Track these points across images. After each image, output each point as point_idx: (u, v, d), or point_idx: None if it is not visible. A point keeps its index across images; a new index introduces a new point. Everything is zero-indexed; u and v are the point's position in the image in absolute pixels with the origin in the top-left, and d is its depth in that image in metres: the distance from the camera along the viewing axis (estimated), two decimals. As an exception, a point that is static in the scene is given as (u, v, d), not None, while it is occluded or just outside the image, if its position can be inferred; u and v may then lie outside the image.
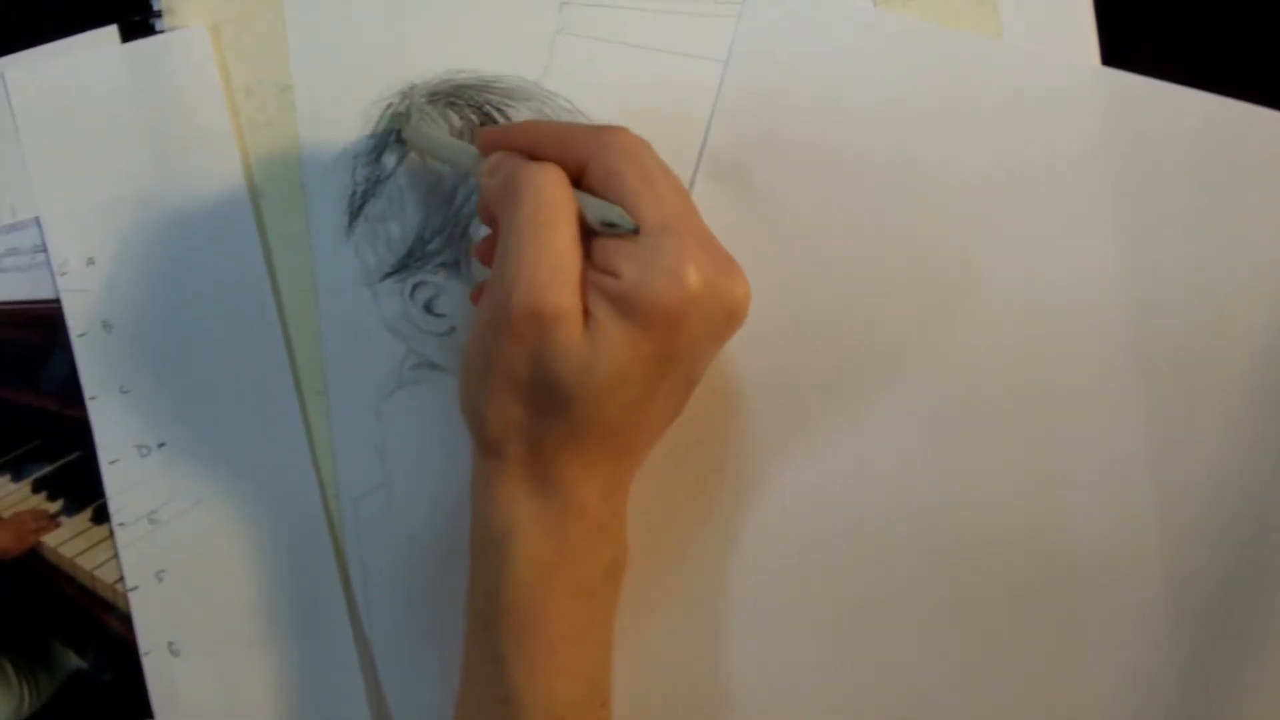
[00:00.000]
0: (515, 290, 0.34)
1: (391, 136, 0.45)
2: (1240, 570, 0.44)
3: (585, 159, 0.36)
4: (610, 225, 0.34)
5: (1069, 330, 0.44)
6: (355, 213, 0.45)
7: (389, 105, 0.45)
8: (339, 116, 0.45)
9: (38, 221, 0.45)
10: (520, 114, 0.45)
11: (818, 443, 0.44)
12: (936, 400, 0.44)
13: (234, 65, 0.45)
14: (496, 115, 0.45)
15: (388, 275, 0.45)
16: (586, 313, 0.34)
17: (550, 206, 0.34)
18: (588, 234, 0.35)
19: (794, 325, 0.44)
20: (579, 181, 0.36)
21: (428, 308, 0.44)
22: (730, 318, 0.36)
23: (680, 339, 0.35)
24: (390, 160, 0.45)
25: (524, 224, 0.34)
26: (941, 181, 0.44)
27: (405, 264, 0.44)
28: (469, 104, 0.45)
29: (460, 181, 0.45)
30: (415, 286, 0.44)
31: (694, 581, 0.44)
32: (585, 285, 0.34)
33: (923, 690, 0.44)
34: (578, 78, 0.45)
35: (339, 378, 0.44)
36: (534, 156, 0.37)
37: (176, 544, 0.44)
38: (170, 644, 0.44)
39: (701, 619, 0.44)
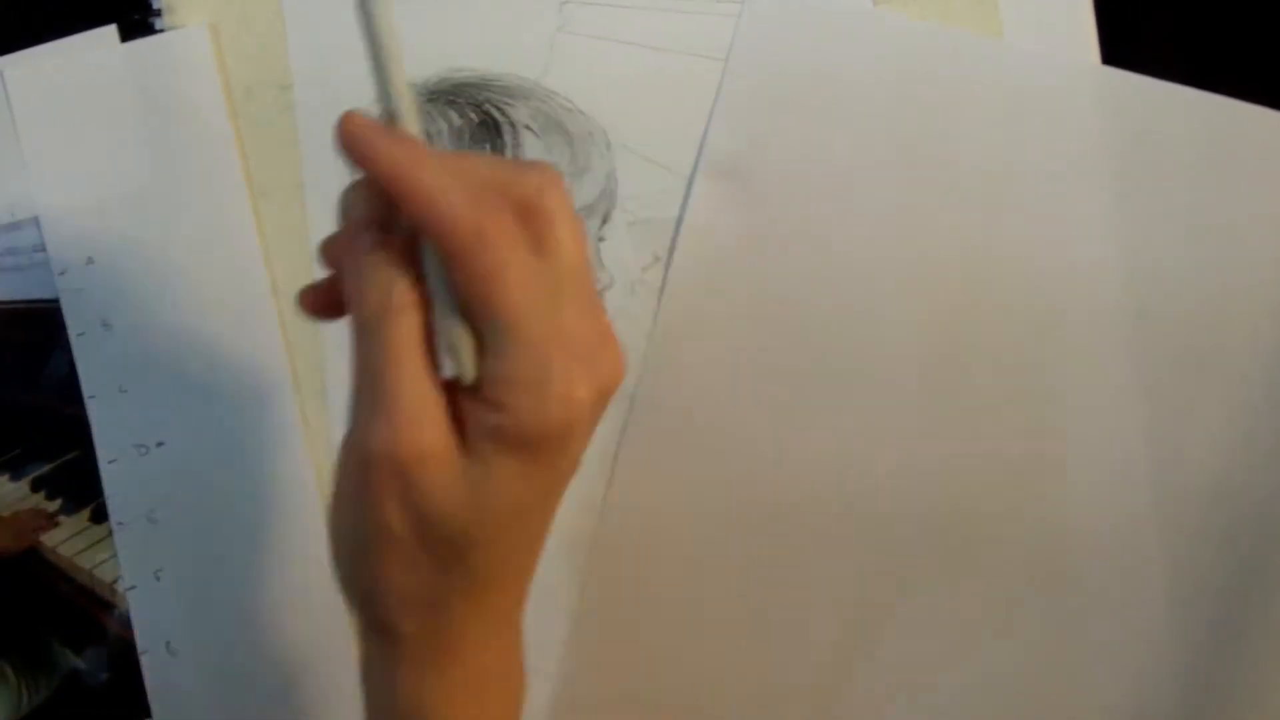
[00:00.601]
0: (371, 436, 0.28)
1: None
2: (1241, 570, 0.44)
3: (456, 233, 0.29)
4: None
5: (1069, 328, 0.44)
6: (354, 212, 0.45)
7: (388, 104, 0.45)
8: (339, 116, 0.45)
9: (37, 221, 0.45)
10: (520, 112, 0.45)
11: (816, 441, 0.44)
12: (936, 399, 0.44)
13: (234, 65, 0.45)
14: (496, 113, 0.45)
15: (387, 274, 0.44)
16: (463, 439, 0.29)
17: (401, 335, 0.29)
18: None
19: (792, 323, 0.44)
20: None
21: (427, 307, 0.44)
22: (611, 396, 0.31)
23: (573, 450, 0.30)
24: (390, 159, 0.45)
25: (372, 362, 0.29)
26: (941, 180, 0.44)
27: (404, 263, 0.44)
28: (469, 102, 0.45)
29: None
30: (414, 285, 0.44)
31: (684, 575, 0.44)
32: (460, 412, 0.29)
33: (923, 690, 0.44)
34: (578, 76, 0.45)
35: (338, 377, 0.44)
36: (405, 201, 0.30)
37: (175, 543, 0.44)
38: (168, 643, 0.44)
39: (690, 613, 0.44)
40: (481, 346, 0.29)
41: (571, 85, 0.45)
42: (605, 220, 0.45)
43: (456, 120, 0.45)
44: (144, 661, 0.44)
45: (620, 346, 0.31)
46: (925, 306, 0.44)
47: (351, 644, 0.44)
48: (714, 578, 0.44)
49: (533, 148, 0.45)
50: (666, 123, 0.45)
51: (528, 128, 0.45)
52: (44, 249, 0.45)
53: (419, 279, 0.29)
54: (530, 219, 0.29)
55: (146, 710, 0.44)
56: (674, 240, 0.44)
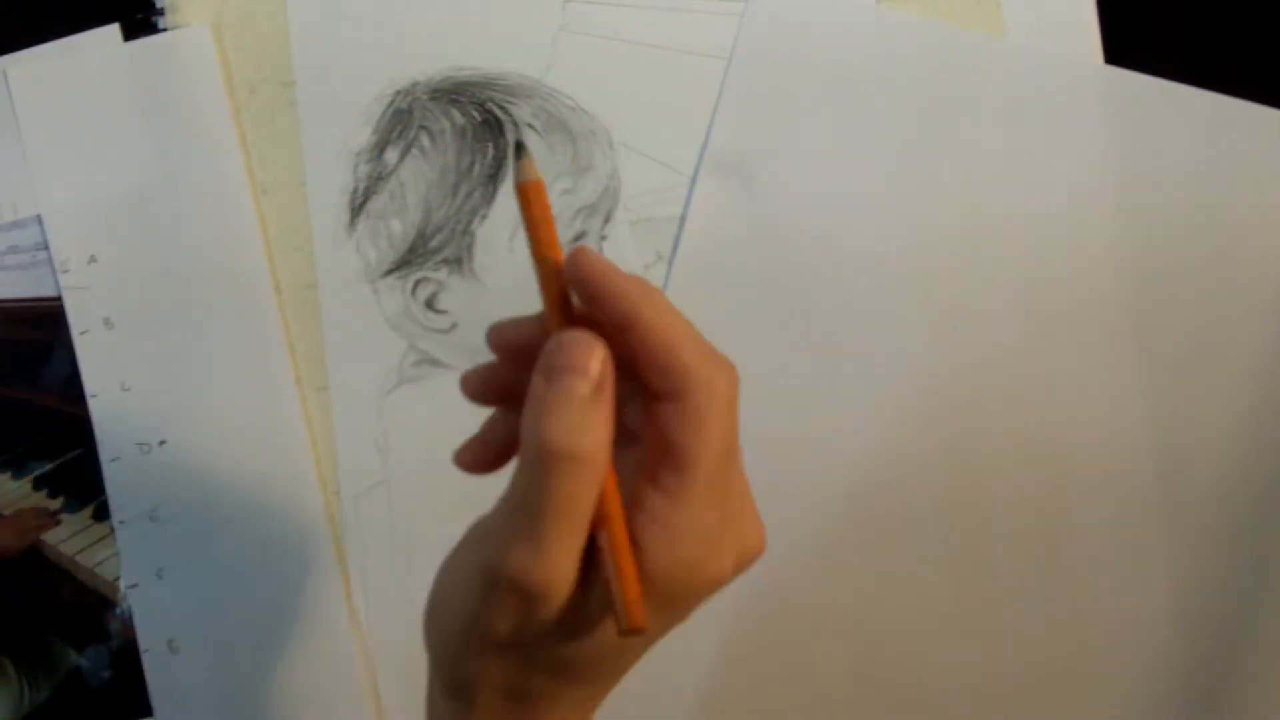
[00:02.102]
0: (511, 556, 0.28)
1: (393, 133, 0.45)
2: (1245, 569, 0.43)
3: (680, 388, 0.29)
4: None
5: (1071, 325, 0.44)
6: (357, 209, 0.45)
7: (391, 102, 0.45)
8: (341, 113, 0.45)
9: (39, 219, 0.45)
10: (522, 111, 0.45)
11: (818, 438, 0.44)
12: (937, 397, 0.44)
13: (236, 63, 0.45)
14: (499, 112, 0.45)
15: (389, 272, 0.45)
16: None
17: (583, 491, 0.28)
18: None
19: (795, 320, 0.44)
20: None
21: (429, 304, 0.44)
22: (746, 569, 0.31)
23: (691, 609, 0.30)
24: (392, 157, 0.45)
25: (544, 498, 0.28)
26: (943, 178, 0.44)
27: (407, 261, 0.44)
28: (471, 101, 0.45)
29: (462, 179, 0.45)
30: (417, 283, 0.44)
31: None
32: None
33: (922, 692, 0.44)
34: (580, 75, 0.45)
35: (340, 374, 0.44)
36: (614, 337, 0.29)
37: (177, 541, 0.44)
38: (170, 641, 0.44)
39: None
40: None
41: (574, 84, 0.45)
42: (608, 219, 0.45)
43: (459, 119, 0.45)
44: (146, 660, 0.44)
45: (762, 529, 0.31)
46: (927, 303, 0.44)
47: (353, 644, 0.44)
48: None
49: (536, 147, 0.45)
50: (669, 121, 0.45)
51: (530, 126, 0.45)
52: (47, 247, 0.45)
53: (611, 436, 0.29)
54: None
55: (148, 708, 0.44)
56: (677, 239, 0.44)
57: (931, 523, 0.44)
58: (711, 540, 0.29)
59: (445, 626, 0.31)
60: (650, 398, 0.30)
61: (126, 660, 0.44)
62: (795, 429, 0.44)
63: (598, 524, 0.29)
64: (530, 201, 0.30)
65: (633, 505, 0.29)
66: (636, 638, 0.29)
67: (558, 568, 0.28)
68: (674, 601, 0.29)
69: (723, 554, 0.29)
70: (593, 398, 0.28)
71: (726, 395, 0.29)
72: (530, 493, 0.28)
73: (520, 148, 0.33)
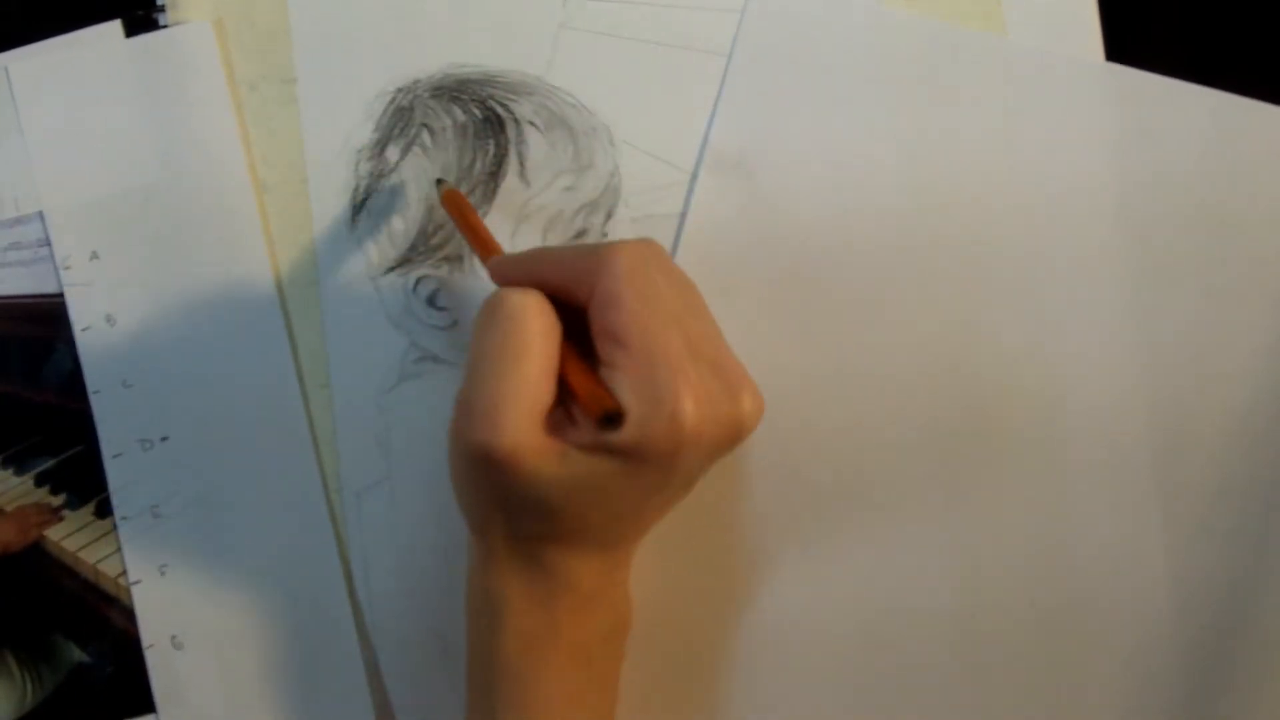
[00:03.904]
0: (470, 424, 0.33)
1: (394, 130, 0.45)
2: (1244, 572, 0.44)
3: (594, 282, 0.34)
4: (608, 419, 0.33)
5: (1072, 323, 0.44)
6: (358, 207, 0.45)
7: (392, 99, 0.45)
8: (343, 111, 0.45)
9: (41, 216, 0.45)
10: (524, 108, 0.45)
11: (819, 436, 0.44)
12: (938, 393, 0.44)
13: (237, 60, 0.45)
14: (500, 109, 0.45)
15: (391, 269, 0.45)
16: (571, 423, 0.34)
17: (520, 336, 0.33)
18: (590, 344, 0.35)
19: (797, 317, 0.44)
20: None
21: (430, 301, 0.44)
22: (733, 437, 0.34)
23: (675, 470, 0.34)
24: (394, 154, 0.45)
25: (487, 353, 0.34)
26: (944, 177, 0.44)
27: (408, 258, 0.45)
28: (473, 98, 0.45)
29: (463, 176, 0.45)
30: (418, 280, 0.44)
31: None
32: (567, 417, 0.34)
33: (921, 693, 0.44)
34: (581, 72, 0.45)
35: (342, 371, 0.44)
36: (544, 285, 0.35)
37: (179, 538, 0.44)
38: (173, 638, 0.44)
39: (696, 608, 0.44)
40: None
41: (575, 81, 0.45)
42: (609, 216, 0.45)
43: (460, 116, 0.45)
44: (148, 656, 0.44)
45: (756, 395, 0.34)
46: (928, 300, 0.44)
47: (354, 640, 0.44)
48: (721, 569, 0.44)
49: (536, 144, 0.45)
50: (670, 118, 0.45)
51: (531, 124, 0.45)
52: (48, 244, 0.45)
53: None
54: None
55: (151, 704, 0.44)
56: (678, 236, 0.44)
57: (932, 516, 0.44)
58: (675, 404, 0.32)
59: (460, 485, 0.36)
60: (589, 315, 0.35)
61: (129, 656, 0.44)
62: (797, 424, 0.44)
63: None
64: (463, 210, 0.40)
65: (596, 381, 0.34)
66: (614, 438, 0.33)
67: (512, 418, 0.33)
68: (642, 457, 0.33)
69: (680, 403, 0.32)
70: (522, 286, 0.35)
71: (629, 264, 0.34)
72: (472, 360, 0.34)
73: (440, 182, 0.43)
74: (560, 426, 0.34)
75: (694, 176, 0.44)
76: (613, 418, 0.33)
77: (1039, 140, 0.44)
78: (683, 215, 0.44)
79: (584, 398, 0.33)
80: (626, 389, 0.33)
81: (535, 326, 0.34)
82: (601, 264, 0.34)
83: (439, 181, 0.43)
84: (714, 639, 0.44)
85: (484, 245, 0.39)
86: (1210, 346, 0.44)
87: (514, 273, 0.37)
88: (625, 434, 0.32)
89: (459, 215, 0.41)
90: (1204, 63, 0.44)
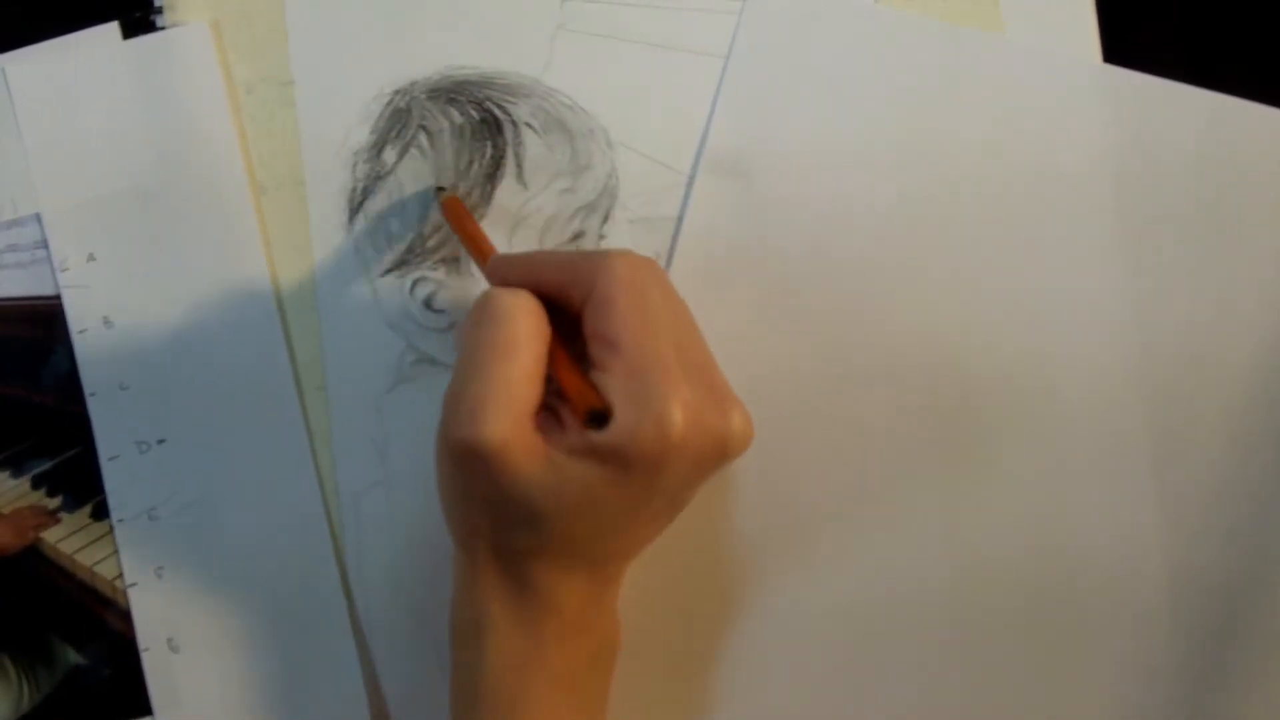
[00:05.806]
0: (456, 420, 0.33)
1: (392, 132, 0.45)
2: (1243, 573, 0.44)
3: (590, 286, 0.34)
4: (595, 418, 0.33)
5: (1070, 324, 0.44)
6: (356, 209, 0.45)
7: (390, 101, 0.45)
8: (340, 113, 0.45)
9: (38, 218, 0.45)
10: (521, 110, 0.45)
11: (818, 437, 0.44)
12: (935, 395, 0.44)
13: (235, 62, 0.45)
14: (497, 111, 0.45)
15: (388, 271, 0.45)
16: (560, 429, 0.34)
17: (509, 335, 0.33)
18: (581, 345, 0.35)
19: (794, 320, 0.44)
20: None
21: (427, 304, 0.44)
22: (720, 453, 0.34)
23: (662, 480, 0.33)
24: (391, 156, 0.45)
25: (476, 351, 0.33)
26: (942, 177, 0.44)
27: (405, 260, 0.45)
28: (470, 100, 0.45)
29: (460, 178, 0.45)
30: (415, 282, 0.44)
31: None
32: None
33: (920, 695, 0.44)
34: (579, 74, 0.45)
35: (339, 373, 0.44)
36: (539, 288, 0.36)
37: (176, 540, 0.44)
38: (169, 640, 0.44)
39: (698, 606, 0.44)
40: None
41: (572, 83, 0.45)
42: (606, 218, 0.45)
43: (457, 118, 0.45)
44: (145, 658, 0.44)
45: (745, 416, 0.34)
46: (925, 302, 0.44)
47: (351, 642, 0.44)
48: (722, 571, 0.44)
49: (534, 145, 0.45)
50: (668, 120, 0.45)
51: (529, 125, 0.45)
52: (45, 246, 0.45)
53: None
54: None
55: (147, 707, 0.44)
56: (675, 238, 0.44)
57: (929, 517, 0.44)
58: (663, 409, 0.32)
59: (441, 489, 0.36)
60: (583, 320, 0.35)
61: (126, 659, 0.44)
62: (795, 424, 0.44)
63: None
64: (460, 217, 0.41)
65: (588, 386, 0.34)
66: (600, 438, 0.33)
67: (497, 416, 0.32)
68: (628, 464, 0.32)
69: (668, 410, 0.32)
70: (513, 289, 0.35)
71: (627, 271, 0.34)
72: (461, 356, 0.34)
73: (440, 189, 0.43)
74: (548, 431, 0.34)
75: (692, 178, 0.44)
76: (599, 416, 0.33)
77: (1036, 141, 0.44)
78: (680, 217, 0.44)
79: (571, 394, 0.33)
80: (615, 391, 0.33)
81: (525, 326, 0.34)
82: (600, 268, 0.34)
83: (439, 189, 0.43)
84: (705, 642, 0.44)
85: (483, 254, 0.39)
86: (1207, 347, 0.44)
87: (511, 273, 0.37)
88: (611, 434, 0.32)
89: (458, 224, 0.41)
90: (1201, 65, 0.44)
